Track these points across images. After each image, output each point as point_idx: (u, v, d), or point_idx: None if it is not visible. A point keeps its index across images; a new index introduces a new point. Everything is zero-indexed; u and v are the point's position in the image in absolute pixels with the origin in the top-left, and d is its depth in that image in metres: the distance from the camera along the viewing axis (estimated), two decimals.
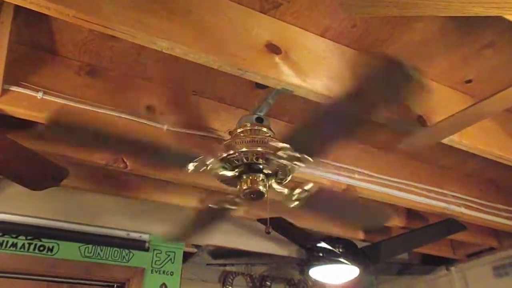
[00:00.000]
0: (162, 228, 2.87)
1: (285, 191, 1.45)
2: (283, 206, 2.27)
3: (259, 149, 1.35)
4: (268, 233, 1.46)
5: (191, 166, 1.38)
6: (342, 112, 1.13)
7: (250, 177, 1.40)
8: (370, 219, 1.92)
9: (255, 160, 1.37)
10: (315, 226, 2.82)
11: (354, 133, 1.24)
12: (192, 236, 2.18)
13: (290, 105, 1.98)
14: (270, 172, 1.41)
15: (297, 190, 1.44)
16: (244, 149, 1.36)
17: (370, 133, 2.22)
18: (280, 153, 1.31)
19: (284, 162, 1.34)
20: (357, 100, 1.07)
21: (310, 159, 1.32)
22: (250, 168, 1.41)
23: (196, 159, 1.37)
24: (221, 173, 1.43)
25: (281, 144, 1.31)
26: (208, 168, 1.39)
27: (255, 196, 1.42)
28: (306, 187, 1.43)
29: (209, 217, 1.75)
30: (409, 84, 0.99)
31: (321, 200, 1.57)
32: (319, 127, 1.22)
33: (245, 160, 1.37)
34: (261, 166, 1.39)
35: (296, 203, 1.47)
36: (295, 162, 1.34)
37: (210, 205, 1.60)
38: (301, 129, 1.31)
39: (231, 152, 1.37)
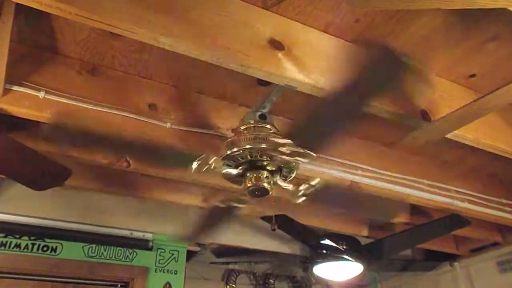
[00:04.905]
0: (166, 227, 2.88)
1: (291, 187, 1.44)
2: (285, 203, 2.28)
3: (262, 146, 1.34)
4: (274, 230, 1.46)
5: (194, 166, 1.38)
6: (340, 104, 1.12)
7: (255, 175, 1.40)
8: (378, 214, 1.92)
9: (259, 157, 1.36)
10: (318, 223, 2.81)
11: (352, 125, 1.23)
12: (201, 236, 2.17)
13: (292, 101, 1.97)
14: (274, 168, 1.41)
15: (303, 186, 1.43)
16: (248, 146, 1.35)
17: (373, 129, 2.21)
18: (282, 149, 1.30)
19: (287, 158, 1.33)
20: (353, 91, 1.06)
21: (312, 153, 1.31)
22: (254, 165, 1.40)
23: (199, 158, 1.36)
24: (224, 171, 1.42)
25: (283, 140, 1.30)
26: (212, 167, 1.38)
27: (260, 193, 1.41)
28: (312, 183, 1.42)
29: (216, 216, 1.74)
30: (404, 73, 0.98)
31: (328, 195, 1.56)
32: (318, 121, 1.21)
33: (249, 157, 1.36)
34: (265, 163, 1.38)
35: (303, 198, 1.46)
36: (298, 158, 1.33)
37: (216, 204, 1.59)
38: (301, 124, 1.30)
39: (235, 149, 1.36)
